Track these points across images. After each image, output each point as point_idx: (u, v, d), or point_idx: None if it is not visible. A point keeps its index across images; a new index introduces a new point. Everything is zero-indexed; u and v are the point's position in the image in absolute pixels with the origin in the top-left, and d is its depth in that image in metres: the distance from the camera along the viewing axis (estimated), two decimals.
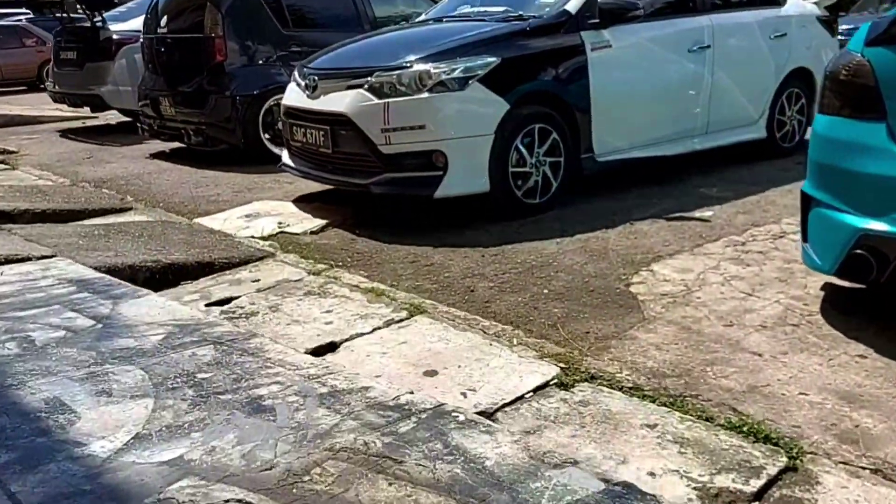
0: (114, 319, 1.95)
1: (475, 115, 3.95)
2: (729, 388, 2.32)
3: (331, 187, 4.74)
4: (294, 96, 4.46)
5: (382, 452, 1.58)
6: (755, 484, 1.76)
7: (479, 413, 1.92)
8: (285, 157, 4.77)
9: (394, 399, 1.84)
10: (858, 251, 2.52)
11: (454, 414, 1.80)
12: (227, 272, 3.05)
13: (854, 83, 2.54)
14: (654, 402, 2.18)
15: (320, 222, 4.29)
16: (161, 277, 2.88)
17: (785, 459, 1.89)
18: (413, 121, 3.89)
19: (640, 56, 4.55)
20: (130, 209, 4.17)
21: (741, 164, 5.49)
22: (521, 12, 4.45)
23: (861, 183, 2.52)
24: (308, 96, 4.27)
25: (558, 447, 1.81)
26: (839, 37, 6.05)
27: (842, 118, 2.59)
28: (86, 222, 3.74)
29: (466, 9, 4.86)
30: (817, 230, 2.74)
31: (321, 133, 4.19)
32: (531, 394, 2.15)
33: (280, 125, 4.92)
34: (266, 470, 1.51)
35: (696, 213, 4.32)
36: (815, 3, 5.85)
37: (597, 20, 4.30)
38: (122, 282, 2.34)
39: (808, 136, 5.82)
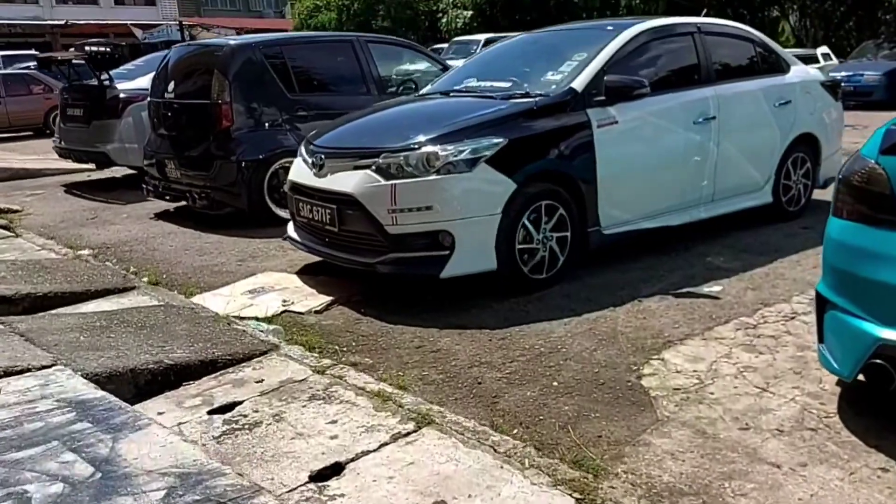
0: (113, 465, 1.89)
1: (482, 196, 3.93)
2: None
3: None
4: (300, 172, 4.45)
5: None
6: None
7: None
8: (290, 229, 4.75)
9: None
10: (878, 360, 2.47)
11: None
12: (231, 369, 3.00)
13: (869, 191, 2.51)
14: None
15: (325, 299, 4.25)
16: (163, 379, 2.82)
17: None
18: (420, 202, 3.87)
19: (646, 130, 4.55)
20: (133, 288, 4.12)
21: (746, 228, 5.46)
22: (527, 89, 4.46)
23: (878, 291, 2.48)
24: (315, 174, 4.26)
25: None
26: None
27: (857, 224, 2.55)
28: (88, 308, 3.69)
29: (473, 83, 4.88)
30: (834, 334, 2.68)
31: (327, 211, 4.17)
32: None
33: (285, 187, 4.89)
34: None
35: (705, 289, 4.27)
36: (819, 68, 5.88)
37: (603, 97, 4.30)
38: (123, 405, 2.28)
39: (813, 197, 5.87)
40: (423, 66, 7.43)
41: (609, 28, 4.83)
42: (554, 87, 4.39)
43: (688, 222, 4.99)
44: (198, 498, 1.73)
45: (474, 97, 4.60)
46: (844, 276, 2.61)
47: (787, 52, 5.76)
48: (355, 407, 2.66)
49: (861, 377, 2.80)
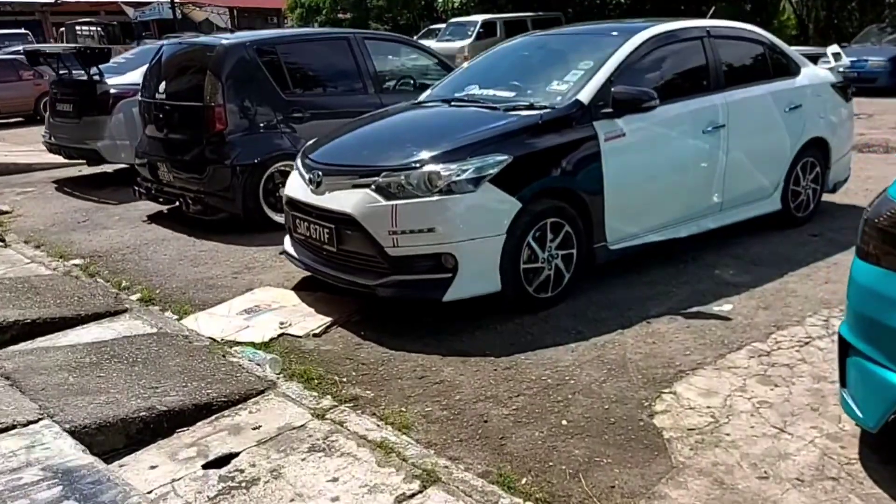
0: None
1: (486, 217, 3.79)
2: None
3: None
4: (297, 188, 4.29)
5: None
6: None
7: None
8: (287, 244, 4.60)
9: None
10: None
11: None
12: (226, 412, 2.87)
13: None
14: None
15: (323, 320, 4.11)
16: (156, 427, 2.69)
17: None
18: (422, 224, 3.72)
19: (654, 142, 4.40)
20: (125, 311, 3.98)
21: (754, 235, 5.33)
22: (531, 99, 4.29)
23: None
24: (312, 191, 4.10)
25: None
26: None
27: (885, 270, 2.42)
28: (78, 337, 3.55)
29: (475, 90, 4.70)
30: (858, 382, 2.56)
31: (325, 231, 4.02)
32: None
33: (282, 191, 4.70)
34: None
35: (715, 308, 4.15)
36: (829, 69, 5.71)
37: (610, 110, 4.14)
38: (112, 476, 2.15)
39: (823, 202, 5.73)
40: (420, 62, 7.23)
41: (614, 33, 4.65)
42: (559, 98, 4.22)
43: (696, 233, 4.85)
44: None
45: (476, 107, 4.42)
46: (870, 323, 2.48)
47: (797, 53, 5.58)
48: (357, 461, 2.54)
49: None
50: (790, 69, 5.37)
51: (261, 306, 4.37)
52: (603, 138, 4.14)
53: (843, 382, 2.70)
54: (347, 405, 3.20)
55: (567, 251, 4.14)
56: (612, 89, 4.13)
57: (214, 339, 3.88)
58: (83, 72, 7.87)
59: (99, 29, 30.14)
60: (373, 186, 3.82)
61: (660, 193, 4.51)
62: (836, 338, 3.69)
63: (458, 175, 3.73)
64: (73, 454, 2.22)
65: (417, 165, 3.79)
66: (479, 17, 22.40)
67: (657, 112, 4.29)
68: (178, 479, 2.46)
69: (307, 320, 4.13)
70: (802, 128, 5.29)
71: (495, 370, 3.52)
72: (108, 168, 8.99)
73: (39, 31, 31.43)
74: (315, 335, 3.97)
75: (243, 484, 2.43)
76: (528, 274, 4.02)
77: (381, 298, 3.97)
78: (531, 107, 4.18)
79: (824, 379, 3.31)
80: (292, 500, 2.33)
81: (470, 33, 21.71)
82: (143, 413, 2.69)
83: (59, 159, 8.99)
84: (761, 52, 5.27)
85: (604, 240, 4.33)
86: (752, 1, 22.41)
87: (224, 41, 5.96)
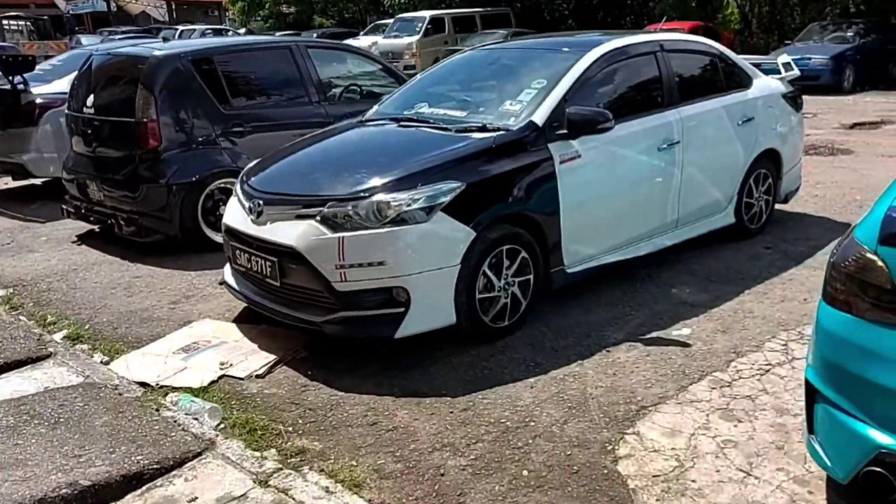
0: None
1: (440, 247, 3.60)
2: None
3: None
4: (237, 216, 4.02)
5: None
6: None
7: None
8: (227, 273, 4.33)
9: None
10: (876, 468, 2.26)
11: None
12: (159, 481, 2.62)
13: (867, 283, 2.26)
14: None
15: (268, 358, 3.87)
16: None
17: None
18: (371, 257, 3.51)
19: (611, 162, 4.28)
20: (49, 356, 3.67)
21: (708, 249, 5.27)
22: (483, 120, 4.11)
23: (879, 394, 2.26)
24: (252, 221, 3.84)
25: None
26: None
27: (853, 318, 2.32)
28: None
29: (424, 109, 4.48)
30: (827, 431, 2.46)
31: (268, 264, 3.77)
32: None
33: (223, 209, 4.40)
34: None
35: (674, 333, 4.06)
36: (780, 79, 5.69)
37: (565, 131, 3.99)
38: None
39: (775, 213, 5.71)
40: (366, 69, 6.99)
41: (566, 49, 4.51)
42: (513, 119, 4.05)
43: (653, 251, 4.76)
44: None
45: (427, 128, 4.22)
46: (840, 372, 2.38)
47: (748, 64, 5.54)
48: None
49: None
50: (742, 81, 5.33)
51: (200, 343, 4.09)
52: (558, 161, 3.99)
53: (810, 428, 2.60)
54: (294, 459, 2.99)
55: (524, 277, 3.99)
56: (567, 110, 3.98)
57: (148, 385, 3.60)
58: (6, 81, 7.36)
59: (28, 23, 28.74)
60: (318, 217, 3.59)
61: (616, 214, 4.40)
62: (795, 364, 3.68)
63: (409, 205, 3.53)
64: None
65: (365, 195, 3.58)
66: (427, 14, 22.17)
67: (613, 131, 4.16)
68: None
69: (250, 359, 3.88)
70: (755, 140, 5.25)
71: (451, 412, 3.34)
72: (37, 180, 8.49)
73: None
74: (258, 376, 3.72)
75: None
76: (484, 303, 3.85)
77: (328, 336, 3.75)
78: (484, 128, 4.01)
79: (787, 412, 3.24)
80: None
81: (418, 29, 21.46)
82: (65, 490, 2.43)
83: None
84: (714, 65, 5.21)
85: (561, 263, 4.20)
86: None
87: (157, 52, 5.61)
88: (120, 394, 3.28)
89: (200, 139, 5.65)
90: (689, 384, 3.51)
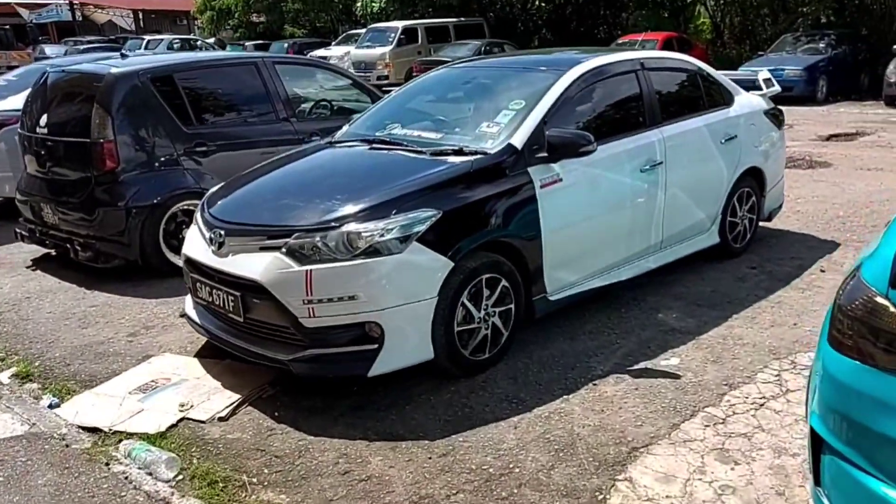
0: None
1: (415, 279, 3.37)
2: None
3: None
4: (197, 247, 3.75)
5: None
6: None
7: None
8: (189, 306, 4.06)
9: None
10: None
11: None
12: None
13: (877, 329, 2.08)
14: None
15: (231, 398, 3.60)
16: None
17: None
18: (342, 290, 3.27)
19: (592, 185, 4.09)
20: None
21: (693, 270, 5.11)
22: (459, 142, 3.90)
23: (892, 448, 2.07)
24: (214, 252, 3.58)
25: None
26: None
27: (861, 365, 2.13)
28: None
29: (397, 130, 4.26)
30: (838, 487, 2.27)
31: (230, 298, 3.51)
32: None
33: (185, 232, 4.11)
34: None
35: (662, 363, 3.87)
36: (761, 95, 5.57)
37: (545, 154, 3.80)
38: None
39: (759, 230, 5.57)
40: (335, 84, 6.75)
41: (543, 68, 4.32)
42: (490, 142, 3.84)
43: (636, 275, 4.58)
44: None
45: (399, 150, 4.00)
46: (849, 423, 2.19)
47: (730, 80, 5.41)
48: None
49: None
50: (724, 98, 5.19)
51: (158, 381, 3.81)
52: (539, 185, 3.79)
53: (816, 480, 2.41)
54: None
55: (504, 307, 3.78)
56: (547, 133, 3.79)
57: (100, 431, 3.32)
58: None
59: None
60: (283, 249, 3.34)
61: (600, 238, 4.21)
62: (790, 398, 3.51)
63: (383, 235, 3.30)
64: None
65: (335, 224, 3.34)
66: (400, 24, 21.98)
67: (594, 153, 3.97)
68: None
69: (212, 399, 3.61)
70: (738, 158, 5.11)
71: (430, 458, 3.10)
72: None
73: None
74: (221, 419, 3.45)
75: None
76: (463, 336, 3.63)
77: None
78: (460, 151, 3.79)
79: (785, 451, 3.06)
80: None
81: (391, 40, 21.27)
82: None
83: None
84: (695, 83, 5.06)
85: (543, 291, 3.99)
86: (669, 8, 22.84)
87: (113, 69, 5.31)
88: (67, 445, 3.00)
89: (161, 160, 5.37)
90: (681, 421, 3.31)
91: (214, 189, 4.17)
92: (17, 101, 6.97)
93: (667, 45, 16.93)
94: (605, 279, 4.35)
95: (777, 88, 5.65)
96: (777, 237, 5.92)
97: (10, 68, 10.12)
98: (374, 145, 4.14)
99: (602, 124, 4.30)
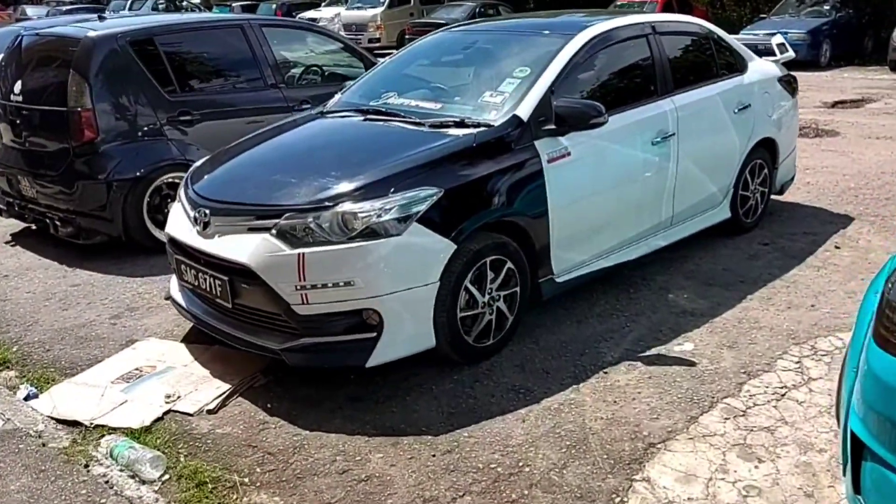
0: None
1: (416, 263, 3.14)
2: None
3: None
4: (181, 226, 3.49)
5: None
6: None
7: None
8: (174, 288, 3.82)
9: None
10: None
11: None
12: None
13: None
14: None
15: (221, 388, 3.39)
16: None
17: None
18: (337, 275, 3.04)
19: (602, 161, 3.84)
20: None
21: (703, 246, 4.89)
22: (461, 113, 3.63)
23: None
24: (199, 232, 3.33)
25: None
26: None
27: None
28: None
29: (393, 99, 3.98)
30: (883, 496, 2.09)
31: (217, 282, 3.27)
32: None
33: (171, 205, 3.86)
34: None
35: (676, 349, 3.67)
36: (774, 61, 5.29)
37: (553, 126, 3.54)
38: None
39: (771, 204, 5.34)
40: (326, 48, 6.42)
41: (550, 33, 4.03)
42: (494, 113, 3.58)
43: (646, 254, 4.36)
44: None
45: (397, 122, 3.72)
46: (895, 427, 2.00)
47: (743, 46, 5.13)
48: None
49: None
50: (738, 65, 4.91)
51: (143, 369, 3.59)
52: (546, 160, 3.54)
53: (856, 488, 2.22)
54: None
55: (509, 290, 3.56)
56: (555, 103, 3.52)
57: (80, 425, 3.11)
58: None
59: None
60: (273, 230, 3.09)
61: (609, 215, 3.98)
62: (812, 387, 3.33)
63: (380, 215, 3.06)
64: None
65: (329, 204, 3.09)
66: None
67: (605, 125, 3.71)
68: None
69: (200, 389, 3.39)
70: (752, 129, 4.86)
71: (433, 456, 2.90)
72: None
73: None
74: (210, 411, 3.24)
75: None
76: (466, 321, 3.42)
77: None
78: (461, 123, 3.53)
79: (811, 447, 2.88)
80: None
81: (382, 0, 20.70)
82: None
83: None
84: (708, 48, 4.78)
85: (550, 272, 3.77)
86: None
87: (90, 33, 4.98)
88: (44, 444, 2.79)
89: (144, 129, 5.07)
90: (699, 414, 3.12)
91: (199, 163, 3.90)
92: None
93: (667, 7, 16.49)
94: (613, 259, 4.13)
95: (791, 54, 5.39)
96: (788, 211, 5.70)
97: None
98: (369, 116, 3.87)
99: (612, 94, 4.04)
